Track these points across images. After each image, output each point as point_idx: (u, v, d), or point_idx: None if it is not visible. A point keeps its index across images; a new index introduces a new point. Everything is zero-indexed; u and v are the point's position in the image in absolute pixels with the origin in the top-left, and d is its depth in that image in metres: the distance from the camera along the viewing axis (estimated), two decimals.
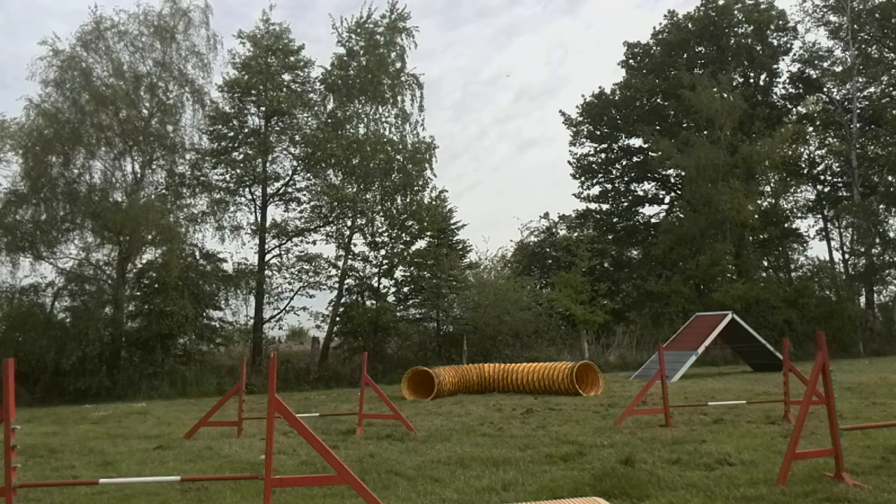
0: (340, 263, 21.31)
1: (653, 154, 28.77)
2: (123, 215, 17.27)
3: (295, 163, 21.75)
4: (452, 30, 67.70)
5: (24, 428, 6.34)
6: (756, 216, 26.08)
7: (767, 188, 27.67)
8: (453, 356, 19.94)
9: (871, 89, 27.88)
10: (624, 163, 31.40)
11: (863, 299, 26.89)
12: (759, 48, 28.51)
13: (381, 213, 21.39)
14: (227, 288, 19.89)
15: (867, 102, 27.81)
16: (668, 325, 22.56)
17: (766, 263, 28.66)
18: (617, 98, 30.76)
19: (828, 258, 28.37)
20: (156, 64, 18.94)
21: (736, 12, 28.52)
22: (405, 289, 22.88)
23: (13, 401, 4.27)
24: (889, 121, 26.25)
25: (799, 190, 28.95)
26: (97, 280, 18.29)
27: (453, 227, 25.26)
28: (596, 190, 31.61)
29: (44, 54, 18.04)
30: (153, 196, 18.72)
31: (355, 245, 21.57)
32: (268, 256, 21.23)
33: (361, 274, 21.73)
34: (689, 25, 29.23)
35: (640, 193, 31.54)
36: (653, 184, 31.33)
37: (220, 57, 22.59)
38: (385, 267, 21.76)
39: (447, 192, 27.03)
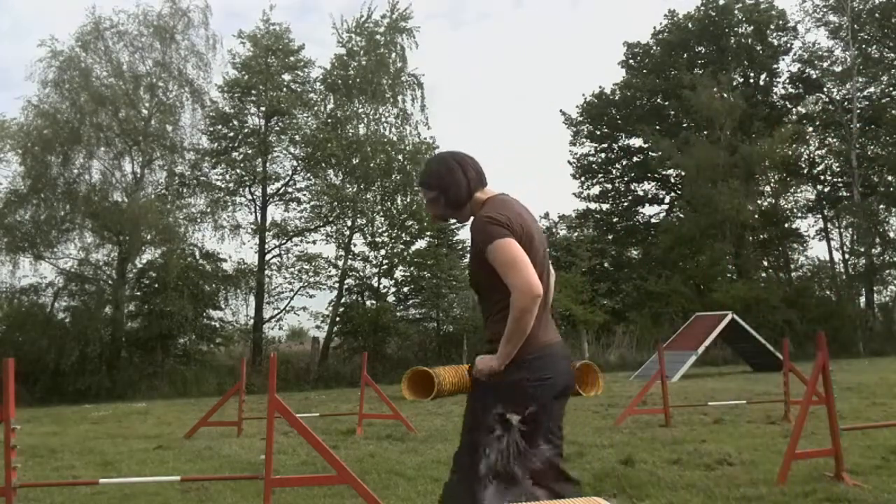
0: (340, 263, 21.32)
1: (653, 154, 28.78)
2: (123, 215, 17.27)
3: (295, 163, 21.76)
4: (455, 30, 67.74)
5: (24, 428, 6.33)
6: (756, 216, 26.09)
7: (767, 188, 27.69)
8: (453, 356, 19.94)
9: (871, 89, 27.88)
10: (624, 163, 31.40)
11: (863, 299, 26.89)
12: (759, 48, 28.51)
13: (381, 213, 21.40)
14: (227, 288, 19.91)
15: (867, 102, 27.80)
16: (668, 325, 22.54)
17: (766, 263, 28.66)
18: (617, 98, 30.75)
19: (828, 258, 28.38)
20: (155, 64, 18.96)
21: (736, 12, 28.53)
22: (405, 289, 22.88)
23: (13, 401, 4.27)
24: (889, 121, 26.24)
25: (799, 190, 28.95)
26: (97, 280, 18.30)
27: (453, 226, 25.26)
28: (596, 190, 31.64)
29: (43, 55, 18.08)
30: (153, 196, 18.73)
31: (355, 245, 21.57)
32: (268, 256, 21.25)
33: (361, 274, 21.74)
34: (689, 25, 29.24)
35: (640, 193, 31.55)
36: (653, 184, 31.33)
37: (220, 57, 22.63)
38: (385, 267, 21.76)
39: None
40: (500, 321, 2.48)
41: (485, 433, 2.44)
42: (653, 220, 30.75)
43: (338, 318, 21.09)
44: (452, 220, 2.81)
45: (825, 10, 27.62)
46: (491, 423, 2.44)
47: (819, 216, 29.13)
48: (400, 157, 20.84)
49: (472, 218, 2.65)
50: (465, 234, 30.56)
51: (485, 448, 2.41)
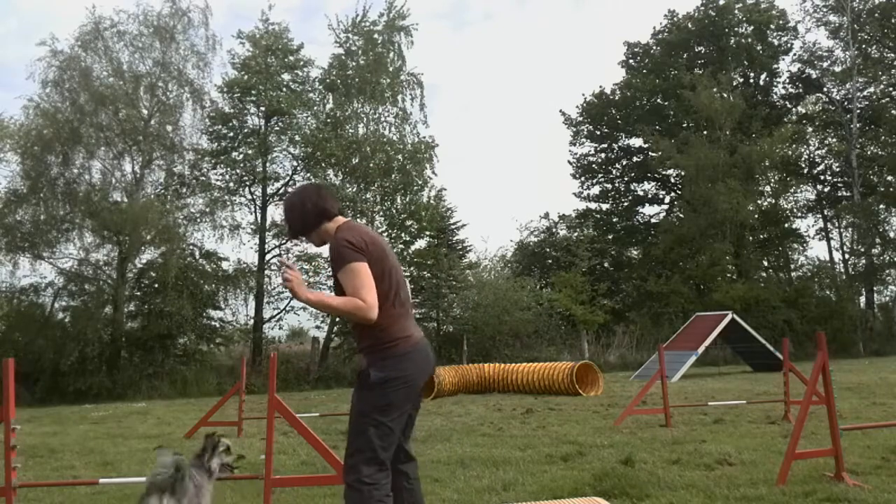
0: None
1: (653, 154, 28.78)
2: (123, 215, 17.26)
3: (295, 163, 21.77)
4: (459, 31, 67.78)
5: (24, 428, 6.33)
6: (756, 216, 26.10)
7: (767, 188, 27.69)
8: (453, 356, 19.92)
9: (871, 89, 27.90)
10: (624, 163, 31.41)
11: (863, 299, 26.89)
12: (759, 48, 28.51)
13: (381, 213, 21.38)
14: (227, 288, 19.90)
15: (867, 102, 27.82)
16: (668, 325, 22.55)
17: (766, 263, 28.67)
18: (617, 98, 30.76)
19: (828, 258, 28.41)
20: (155, 64, 18.94)
21: (736, 12, 28.53)
22: None
23: (13, 401, 4.27)
24: (889, 121, 26.26)
25: (799, 190, 28.97)
26: (97, 280, 18.28)
27: (453, 226, 25.22)
28: (596, 190, 31.67)
29: (43, 54, 18.07)
30: (153, 196, 18.72)
31: None
32: (268, 256, 21.25)
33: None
34: (689, 25, 29.23)
35: (640, 193, 31.57)
36: (653, 184, 31.35)
37: (220, 57, 22.62)
38: None
39: (446, 190, 27.05)
40: (365, 328, 3.00)
41: (364, 420, 2.99)
42: (653, 220, 30.77)
43: (338, 318, 21.07)
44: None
45: (825, 10, 27.64)
46: (368, 413, 2.99)
47: (819, 216, 29.15)
48: (399, 156, 20.83)
49: (329, 243, 3.14)
50: (464, 233, 30.64)
51: (365, 430, 2.98)
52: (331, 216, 3.18)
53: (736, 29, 28.87)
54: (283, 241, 21.56)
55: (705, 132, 26.41)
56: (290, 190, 3.39)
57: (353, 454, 2.97)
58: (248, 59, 20.95)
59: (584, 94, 31.73)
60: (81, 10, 48.49)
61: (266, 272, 21.02)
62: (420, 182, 21.07)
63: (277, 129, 21.46)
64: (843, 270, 27.31)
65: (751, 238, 27.10)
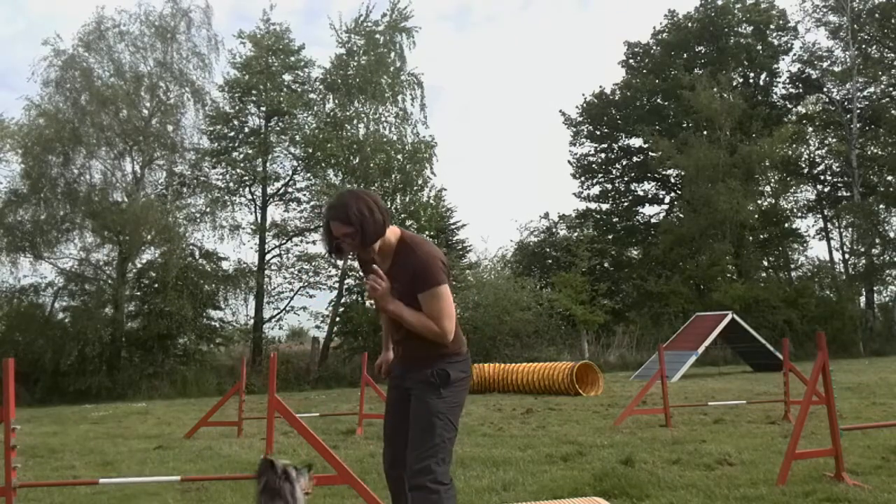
0: (340, 263, 21.29)
1: (653, 154, 28.79)
2: (123, 215, 17.26)
3: (295, 163, 21.76)
4: (462, 32, 67.79)
5: (24, 428, 6.33)
6: (756, 216, 26.11)
7: (767, 188, 27.70)
8: None
9: (871, 89, 27.91)
10: (624, 163, 31.40)
11: (863, 299, 26.90)
12: (759, 48, 28.52)
13: None
14: (227, 288, 19.90)
15: (867, 102, 27.82)
16: (668, 325, 22.55)
17: (766, 263, 28.68)
18: (617, 98, 30.76)
19: (828, 258, 28.41)
20: (156, 64, 18.95)
21: (736, 12, 28.54)
22: None
23: (13, 401, 4.27)
24: (889, 121, 26.26)
25: (799, 190, 28.98)
26: (97, 280, 18.29)
27: (453, 226, 25.21)
28: (596, 190, 31.66)
29: (46, 54, 18.08)
30: (153, 196, 18.73)
31: None
32: (268, 256, 21.24)
33: (361, 274, 21.67)
34: (689, 25, 29.24)
35: (640, 193, 31.56)
36: (653, 184, 31.34)
37: (221, 57, 22.61)
38: None
39: (446, 190, 27.04)
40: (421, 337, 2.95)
41: (439, 421, 3.01)
42: (653, 220, 30.77)
43: (338, 318, 21.07)
44: (350, 255, 3.14)
45: (825, 10, 27.65)
46: (444, 413, 3.03)
47: (819, 216, 29.16)
48: (399, 156, 20.81)
49: (408, 251, 2.93)
50: (465, 233, 30.62)
51: (440, 432, 3.00)
52: (388, 224, 2.95)
53: (736, 29, 28.88)
54: (283, 242, 21.57)
55: (705, 132, 26.41)
56: (336, 196, 3.28)
57: (426, 457, 2.95)
58: (250, 60, 20.95)
59: (584, 94, 31.77)
60: (85, 10, 48.61)
61: (266, 272, 21.03)
62: (420, 182, 21.06)
63: (278, 129, 21.47)
64: (843, 270, 27.31)
65: (751, 238, 27.10)
